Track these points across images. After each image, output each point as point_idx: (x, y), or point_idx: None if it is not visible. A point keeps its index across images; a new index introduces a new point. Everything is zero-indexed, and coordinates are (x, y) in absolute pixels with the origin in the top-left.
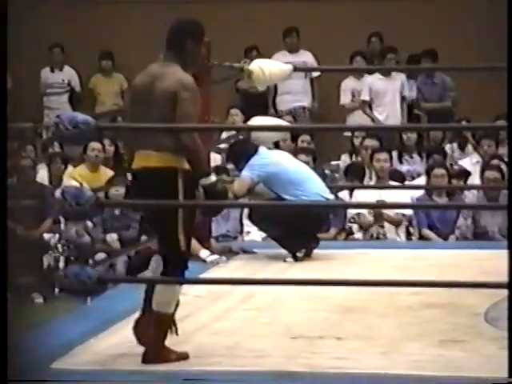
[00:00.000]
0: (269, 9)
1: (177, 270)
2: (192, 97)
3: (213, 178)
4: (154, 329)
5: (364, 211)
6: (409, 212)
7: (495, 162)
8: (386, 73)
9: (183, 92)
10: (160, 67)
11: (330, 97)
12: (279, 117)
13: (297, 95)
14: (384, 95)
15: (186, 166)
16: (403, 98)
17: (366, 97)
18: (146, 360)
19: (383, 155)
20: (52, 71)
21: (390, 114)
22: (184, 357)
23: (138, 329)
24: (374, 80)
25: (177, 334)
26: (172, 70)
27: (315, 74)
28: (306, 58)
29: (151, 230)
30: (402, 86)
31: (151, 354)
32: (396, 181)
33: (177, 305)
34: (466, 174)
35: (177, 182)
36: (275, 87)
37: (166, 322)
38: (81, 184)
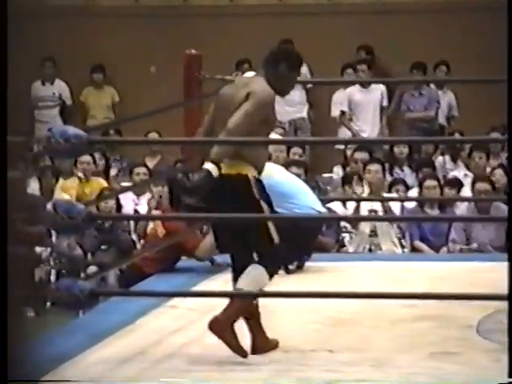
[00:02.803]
0: (260, 22)
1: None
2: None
3: None
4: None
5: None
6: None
7: (486, 173)
8: (366, 84)
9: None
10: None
11: (322, 109)
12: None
13: (296, 106)
14: (363, 106)
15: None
16: (382, 109)
17: (344, 107)
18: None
19: (374, 166)
20: (43, 84)
21: (369, 125)
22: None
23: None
24: (354, 91)
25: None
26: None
27: (310, 84)
28: (302, 69)
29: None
30: (382, 96)
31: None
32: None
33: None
34: (459, 183)
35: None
36: None
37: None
38: (77, 197)
